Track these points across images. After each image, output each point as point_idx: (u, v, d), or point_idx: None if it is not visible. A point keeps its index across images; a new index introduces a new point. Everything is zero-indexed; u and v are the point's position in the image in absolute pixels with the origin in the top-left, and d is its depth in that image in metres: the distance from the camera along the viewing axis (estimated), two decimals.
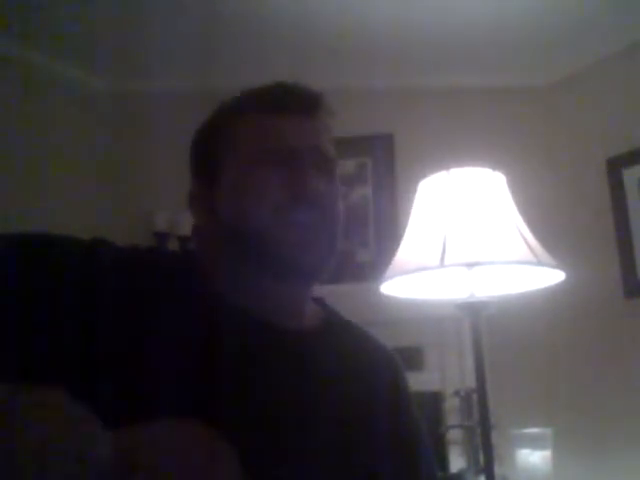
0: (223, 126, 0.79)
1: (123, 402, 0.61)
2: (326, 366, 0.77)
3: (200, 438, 0.55)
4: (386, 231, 2.56)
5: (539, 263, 1.31)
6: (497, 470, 1.39)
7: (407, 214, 1.49)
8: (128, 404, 0.61)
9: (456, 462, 2.15)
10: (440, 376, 2.37)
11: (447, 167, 1.42)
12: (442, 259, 1.29)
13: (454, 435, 2.16)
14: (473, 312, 1.39)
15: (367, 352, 0.85)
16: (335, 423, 0.73)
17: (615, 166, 2.44)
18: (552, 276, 1.39)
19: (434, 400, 2.31)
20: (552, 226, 2.15)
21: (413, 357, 2.33)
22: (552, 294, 1.55)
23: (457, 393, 2.18)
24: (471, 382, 1.68)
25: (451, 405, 2.24)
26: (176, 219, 2.47)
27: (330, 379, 0.76)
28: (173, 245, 2.49)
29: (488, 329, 1.99)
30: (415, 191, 1.48)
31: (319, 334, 0.80)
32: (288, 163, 0.74)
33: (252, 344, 0.72)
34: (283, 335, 0.75)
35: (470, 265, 1.33)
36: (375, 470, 0.75)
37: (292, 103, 0.77)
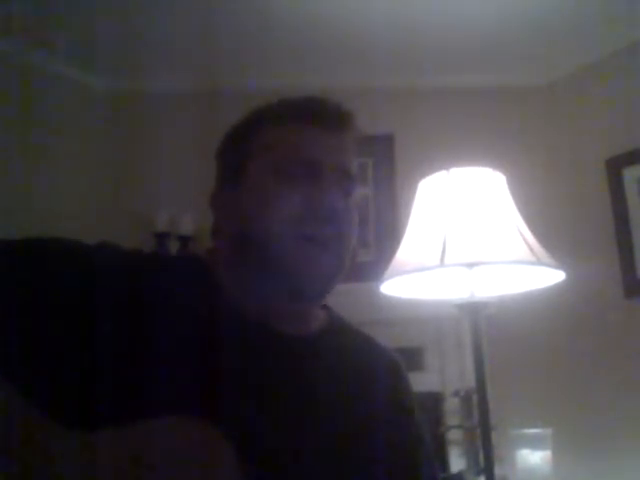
0: (252, 130, 0.80)
1: (124, 401, 0.61)
2: (325, 368, 0.77)
3: (200, 437, 0.55)
4: (386, 231, 2.56)
5: (539, 263, 1.31)
6: (497, 470, 1.38)
7: (407, 214, 1.48)
8: (129, 403, 0.61)
9: (456, 462, 2.14)
10: (440, 376, 2.37)
11: (447, 167, 1.41)
12: (442, 259, 1.29)
13: (454, 435, 2.16)
14: (473, 312, 1.39)
15: (368, 356, 0.85)
16: (334, 423, 0.73)
17: (615, 166, 2.44)
18: (552, 276, 1.39)
19: (434, 400, 2.31)
20: (552, 226, 2.14)
21: (413, 357, 2.33)
22: (552, 294, 1.54)
23: (457, 393, 2.18)
24: (471, 382, 1.67)
25: (451, 405, 2.24)
26: (176, 219, 2.47)
27: (329, 381, 0.76)
28: (173, 245, 2.49)
29: (488, 329, 1.99)
30: (415, 191, 1.47)
31: (320, 338, 0.81)
32: (310, 177, 0.75)
33: (252, 347, 0.73)
34: (283, 339, 0.75)
35: (470, 265, 1.32)
36: (374, 470, 0.75)
37: (323, 116, 0.78)
